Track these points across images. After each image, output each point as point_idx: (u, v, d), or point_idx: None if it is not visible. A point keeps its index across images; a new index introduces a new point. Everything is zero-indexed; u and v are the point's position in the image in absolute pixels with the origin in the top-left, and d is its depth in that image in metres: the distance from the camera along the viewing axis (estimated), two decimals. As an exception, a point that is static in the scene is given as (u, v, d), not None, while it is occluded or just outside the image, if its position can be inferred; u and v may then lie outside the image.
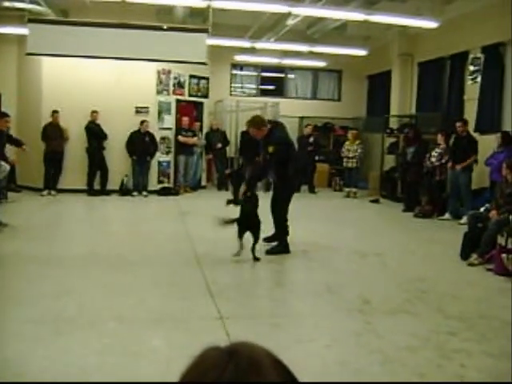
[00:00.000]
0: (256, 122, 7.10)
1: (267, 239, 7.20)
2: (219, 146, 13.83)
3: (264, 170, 7.42)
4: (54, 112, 11.88)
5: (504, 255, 6.24)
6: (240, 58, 14.80)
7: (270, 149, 6.88)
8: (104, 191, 12.27)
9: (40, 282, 5.43)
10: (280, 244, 7.07)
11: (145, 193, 12.52)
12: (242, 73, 16.63)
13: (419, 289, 5.66)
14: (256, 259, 6.48)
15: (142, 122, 12.41)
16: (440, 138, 10.67)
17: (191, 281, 5.71)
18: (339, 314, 4.87)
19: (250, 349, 0.79)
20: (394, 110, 14.19)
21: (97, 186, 12.34)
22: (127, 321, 4.46)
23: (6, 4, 10.70)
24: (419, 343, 4.11)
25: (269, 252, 6.93)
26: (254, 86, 16.69)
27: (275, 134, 7.04)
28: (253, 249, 6.48)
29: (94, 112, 12.08)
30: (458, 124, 10.17)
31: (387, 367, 3.70)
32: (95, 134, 12.12)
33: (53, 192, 11.97)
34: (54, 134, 11.90)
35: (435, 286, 5.83)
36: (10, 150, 11.15)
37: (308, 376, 3.25)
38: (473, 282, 6.10)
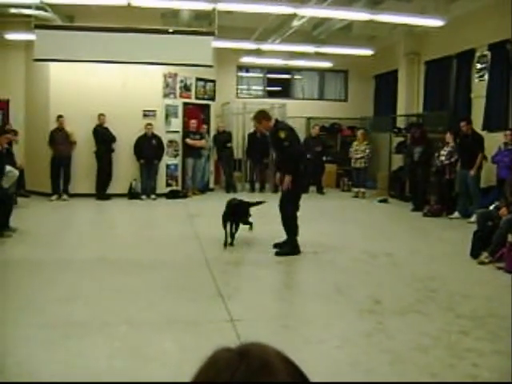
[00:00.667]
0: (256, 116, 7.22)
1: (277, 245, 7.19)
2: (228, 145, 13.96)
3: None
4: (59, 117, 11.93)
5: (514, 253, 6.21)
6: (246, 59, 14.81)
7: (282, 134, 6.92)
8: (105, 195, 12.28)
9: (49, 287, 5.45)
10: (289, 245, 7.05)
11: (153, 196, 12.55)
12: (249, 75, 16.64)
13: (429, 288, 5.64)
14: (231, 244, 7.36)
15: (147, 126, 12.45)
16: (449, 137, 10.63)
17: (201, 283, 5.72)
18: (350, 314, 4.86)
19: (261, 349, 0.78)
20: (400, 109, 14.15)
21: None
22: (138, 324, 4.47)
23: (13, 11, 10.77)
24: (430, 343, 4.09)
25: (278, 254, 6.92)
26: (260, 88, 16.70)
27: (280, 123, 7.23)
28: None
29: (101, 115, 12.11)
30: (461, 124, 10.20)
31: (398, 367, 3.69)
32: (103, 138, 12.15)
33: (65, 196, 12.01)
34: (60, 138, 11.95)
35: (446, 285, 5.80)
36: (18, 156, 11.27)
37: (319, 377, 3.23)
38: (483, 280, 6.07)
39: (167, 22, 11.54)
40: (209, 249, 7.26)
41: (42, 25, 9.85)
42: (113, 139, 12.26)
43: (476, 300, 5.29)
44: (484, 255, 6.67)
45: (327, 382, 3.25)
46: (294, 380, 0.76)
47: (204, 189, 13.74)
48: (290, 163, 6.97)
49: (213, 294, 5.29)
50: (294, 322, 4.66)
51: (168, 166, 13.15)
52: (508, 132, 9.54)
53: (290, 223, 7.04)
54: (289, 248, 7.01)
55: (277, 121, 7.35)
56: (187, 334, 4.27)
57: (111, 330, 4.32)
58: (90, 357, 3.75)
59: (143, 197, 12.51)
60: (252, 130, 14.26)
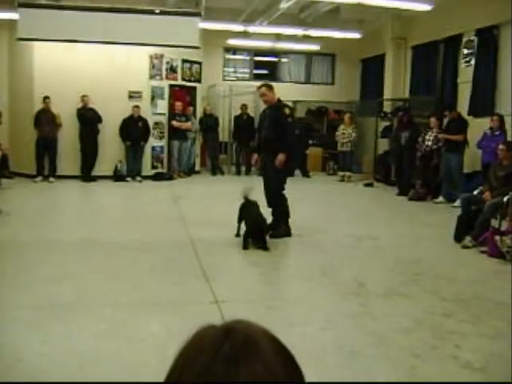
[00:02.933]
0: (262, 85, 7.29)
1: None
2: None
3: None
4: (45, 98, 11.78)
5: (497, 237, 6.27)
6: (233, 42, 14.70)
7: (287, 110, 7.07)
8: (90, 177, 12.17)
9: (35, 268, 5.41)
10: (282, 227, 7.03)
11: (139, 178, 12.49)
12: (235, 57, 16.52)
13: (414, 271, 5.69)
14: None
15: (134, 108, 12.35)
16: (433, 122, 10.68)
17: (187, 265, 5.72)
18: (334, 296, 4.89)
19: (247, 326, 0.78)
20: (387, 93, 14.16)
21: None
22: (124, 306, 4.47)
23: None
24: (414, 325, 4.14)
25: (273, 236, 6.89)
26: (247, 71, 16.60)
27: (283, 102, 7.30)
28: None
29: (84, 96, 11.93)
30: (445, 113, 10.50)
31: (382, 349, 3.73)
32: (86, 120, 12.00)
33: (51, 179, 11.89)
34: (45, 120, 11.81)
35: (430, 268, 5.86)
36: (2, 138, 11.14)
37: (303, 359, 3.23)
38: (467, 264, 6.14)
39: (154, 2, 11.40)
40: (194, 231, 7.25)
41: (25, 3, 9.67)
42: (99, 120, 12.13)
43: (459, 283, 5.35)
44: (467, 239, 6.74)
45: (320, 383, 3.21)
46: (279, 357, 0.75)
47: (190, 171, 13.69)
48: (289, 139, 6.97)
49: (198, 275, 5.30)
50: (278, 304, 4.68)
51: (154, 148, 13.08)
52: (495, 117, 9.56)
53: (280, 205, 7.03)
54: (283, 230, 7.02)
55: (279, 100, 7.32)
56: (172, 315, 4.27)
57: (97, 311, 4.31)
58: (75, 338, 3.75)
59: (129, 179, 12.44)
60: (239, 112, 14.23)
